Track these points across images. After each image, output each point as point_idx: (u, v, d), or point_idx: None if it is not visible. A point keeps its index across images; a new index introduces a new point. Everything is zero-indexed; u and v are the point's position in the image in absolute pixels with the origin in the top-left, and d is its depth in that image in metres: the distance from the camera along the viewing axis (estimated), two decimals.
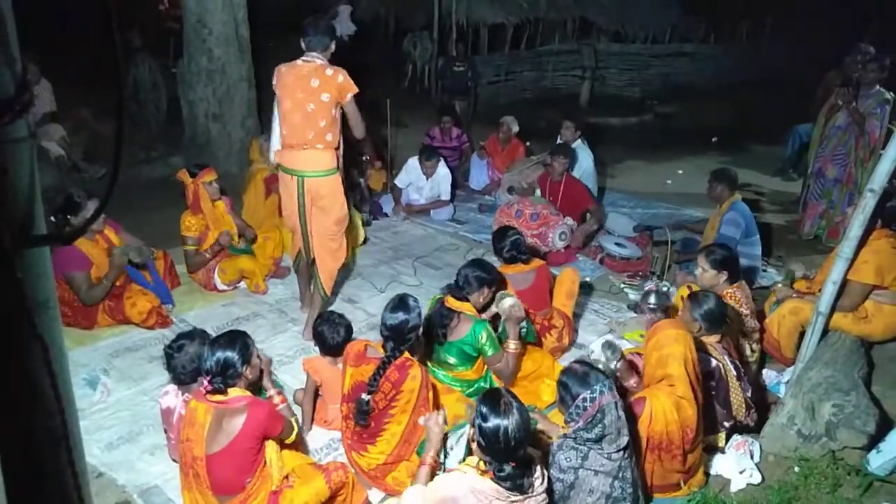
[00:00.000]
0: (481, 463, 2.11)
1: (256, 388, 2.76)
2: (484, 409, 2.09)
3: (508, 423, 2.03)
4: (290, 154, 3.74)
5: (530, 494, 2.09)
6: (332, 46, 3.74)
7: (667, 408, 2.63)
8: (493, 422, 2.05)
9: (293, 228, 4.00)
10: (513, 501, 2.06)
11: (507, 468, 2.06)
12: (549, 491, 2.24)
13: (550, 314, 3.85)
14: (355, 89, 3.65)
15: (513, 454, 2.06)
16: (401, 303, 2.81)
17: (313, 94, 3.60)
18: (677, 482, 2.80)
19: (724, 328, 3.03)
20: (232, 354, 2.45)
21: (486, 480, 2.07)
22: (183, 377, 2.82)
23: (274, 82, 3.73)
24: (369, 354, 2.84)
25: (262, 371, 2.78)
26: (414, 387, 2.71)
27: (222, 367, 2.43)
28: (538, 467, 2.17)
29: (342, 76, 3.62)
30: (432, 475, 2.26)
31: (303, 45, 3.71)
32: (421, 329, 2.84)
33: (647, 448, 2.66)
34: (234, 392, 2.44)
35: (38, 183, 0.82)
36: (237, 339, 2.52)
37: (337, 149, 3.79)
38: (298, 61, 3.68)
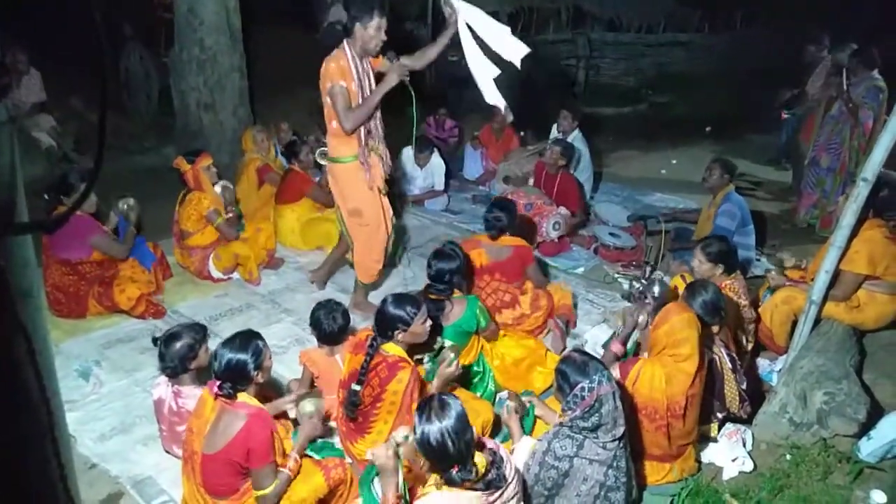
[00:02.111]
0: (436, 478, 2.06)
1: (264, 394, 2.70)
2: (418, 419, 2.04)
3: (432, 428, 1.98)
4: None
5: (507, 483, 2.07)
6: (364, 31, 3.55)
7: (656, 375, 2.65)
8: (421, 430, 2.01)
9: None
10: (492, 499, 2.03)
11: (452, 472, 1.99)
12: (517, 471, 2.21)
13: (522, 286, 3.90)
14: (331, 80, 3.55)
15: (447, 459, 1.99)
16: (397, 296, 2.83)
17: (320, 85, 3.66)
18: (659, 456, 2.81)
19: (720, 319, 3.03)
20: (244, 357, 2.38)
21: (455, 493, 2.02)
22: (172, 369, 2.80)
23: None
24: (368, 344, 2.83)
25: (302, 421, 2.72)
26: (398, 389, 2.66)
27: (232, 372, 2.37)
28: (503, 454, 2.14)
29: (326, 64, 3.58)
30: None
31: None
32: (402, 335, 2.76)
33: (629, 408, 2.67)
34: (242, 397, 2.38)
35: (20, 169, 0.80)
36: (250, 342, 2.43)
37: (350, 136, 3.68)
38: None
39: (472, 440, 2.05)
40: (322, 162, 4.12)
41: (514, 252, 3.86)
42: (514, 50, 3.57)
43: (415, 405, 2.69)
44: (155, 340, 2.91)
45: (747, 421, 3.24)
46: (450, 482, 2.01)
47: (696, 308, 2.94)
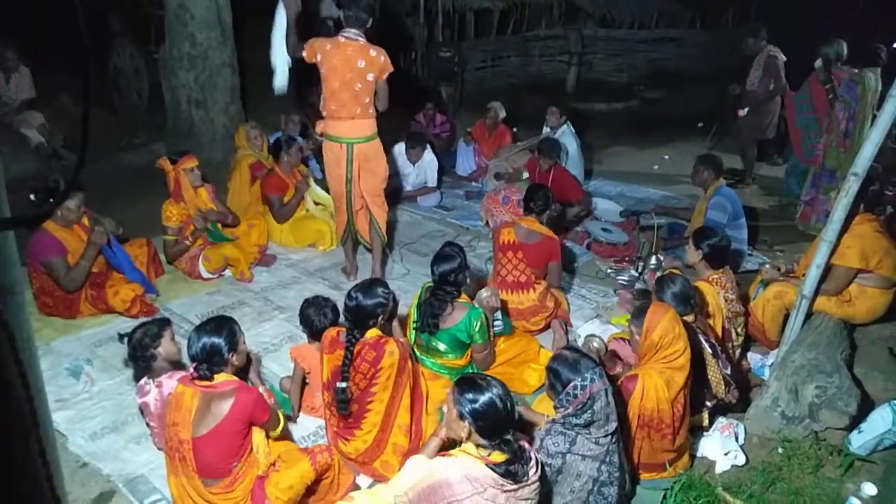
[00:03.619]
0: (480, 449, 2.10)
1: (243, 378, 2.75)
2: (469, 395, 2.10)
3: (493, 393, 2.08)
4: (337, 124, 4.08)
5: (524, 483, 2.07)
6: (370, 23, 3.98)
7: (658, 385, 2.64)
8: (482, 398, 2.07)
9: (338, 194, 4.33)
10: (506, 490, 2.04)
11: (510, 437, 2.08)
12: (542, 479, 2.22)
13: (540, 276, 3.95)
14: (391, 69, 4.00)
15: (512, 420, 2.10)
16: (363, 287, 2.83)
17: (360, 75, 3.94)
18: (663, 462, 2.81)
19: (690, 309, 3.06)
20: (218, 340, 2.44)
21: (480, 466, 2.05)
22: (140, 361, 2.83)
23: (317, 58, 3.95)
24: (342, 339, 2.83)
25: (249, 363, 2.82)
26: (393, 362, 2.72)
27: (208, 354, 2.43)
28: (532, 455, 2.15)
29: (384, 57, 3.96)
30: (441, 449, 2.28)
31: (343, 21, 4.01)
32: (385, 312, 2.82)
33: (637, 426, 2.67)
34: (220, 377, 2.44)
35: (1, 164, 0.79)
36: (224, 325, 2.51)
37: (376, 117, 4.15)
38: (341, 39, 3.94)
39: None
40: None
41: (542, 240, 3.90)
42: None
43: (410, 365, 2.81)
44: (121, 337, 2.94)
45: (737, 408, 3.26)
46: (502, 447, 2.07)
47: (667, 300, 2.97)
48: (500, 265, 3.95)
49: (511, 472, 2.05)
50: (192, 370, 2.45)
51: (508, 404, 2.10)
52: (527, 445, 2.19)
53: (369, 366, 2.73)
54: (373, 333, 2.80)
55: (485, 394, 2.08)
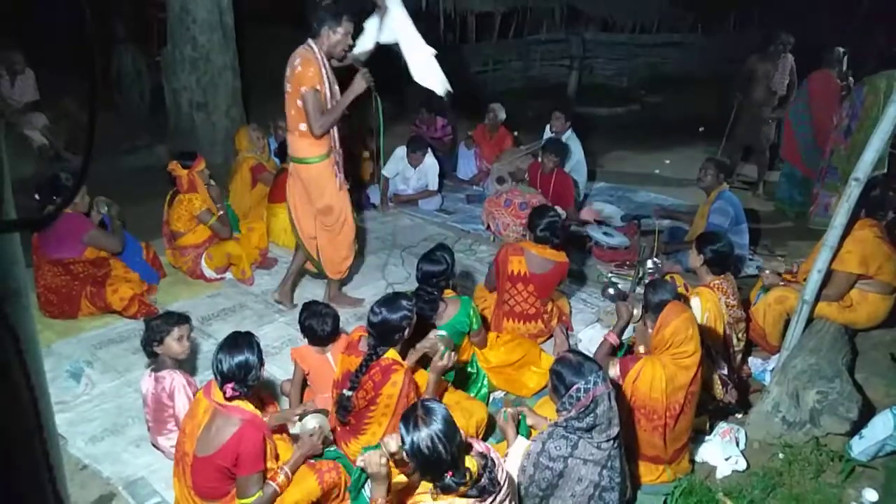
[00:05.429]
0: (430, 487, 2.02)
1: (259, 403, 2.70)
2: (402, 432, 2.00)
3: (421, 435, 1.94)
4: None
5: (497, 489, 2.04)
6: (331, 34, 3.56)
7: (657, 374, 2.65)
8: (408, 440, 1.97)
9: None
10: None
11: (447, 479, 1.96)
12: (508, 477, 2.18)
13: (548, 303, 3.89)
14: (308, 84, 3.52)
15: (441, 465, 1.95)
16: (387, 301, 2.74)
17: (284, 84, 3.64)
18: (654, 456, 2.82)
19: None
20: (252, 357, 2.35)
21: (450, 501, 1.98)
22: (146, 350, 2.90)
23: None
24: (361, 346, 2.80)
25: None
26: (392, 393, 2.63)
27: (244, 372, 2.33)
28: (493, 457, 2.11)
29: (301, 66, 3.53)
30: None
31: None
32: (410, 325, 2.76)
33: (627, 408, 2.68)
34: (238, 402, 2.35)
35: (7, 166, 0.79)
36: (251, 341, 2.41)
37: (321, 138, 3.68)
38: (299, 48, 3.64)
39: (462, 443, 2.02)
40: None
41: (555, 267, 3.75)
42: (434, 78, 3.74)
43: (414, 397, 2.69)
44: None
45: (737, 410, 3.27)
46: (445, 489, 1.98)
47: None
48: (508, 295, 3.78)
49: (481, 487, 1.99)
50: (229, 390, 2.33)
51: (434, 451, 1.92)
52: (484, 449, 2.12)
53: (373, 386, 2.67)
54: (390, 355, 2.70)
55: (414, 435, 1.95)
